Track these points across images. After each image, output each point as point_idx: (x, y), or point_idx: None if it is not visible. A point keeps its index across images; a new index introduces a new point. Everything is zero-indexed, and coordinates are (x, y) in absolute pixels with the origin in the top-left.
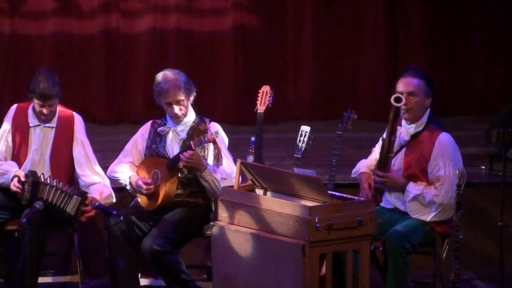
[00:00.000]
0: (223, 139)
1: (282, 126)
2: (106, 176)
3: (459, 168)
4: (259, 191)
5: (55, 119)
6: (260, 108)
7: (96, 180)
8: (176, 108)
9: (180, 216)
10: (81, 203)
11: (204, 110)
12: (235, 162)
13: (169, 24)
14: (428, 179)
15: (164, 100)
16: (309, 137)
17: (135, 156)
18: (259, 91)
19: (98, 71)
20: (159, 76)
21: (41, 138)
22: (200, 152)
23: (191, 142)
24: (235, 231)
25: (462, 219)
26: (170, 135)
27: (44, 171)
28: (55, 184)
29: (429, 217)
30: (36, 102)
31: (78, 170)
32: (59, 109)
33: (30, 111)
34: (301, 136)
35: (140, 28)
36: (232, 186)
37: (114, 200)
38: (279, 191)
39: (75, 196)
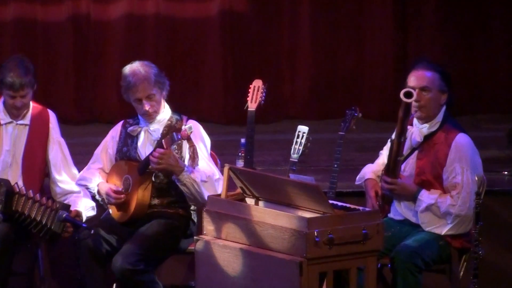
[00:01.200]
0: (202, 136)
1: (276, 126)
2: (76, 183)
3: (479, 174)
4: (250, 201)
5: (29, 115)
6: (251, 105)
7: (74, 189)
8: (147, 105)
9: (156, 229)
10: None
11: (187, 108)
12: (222, 167)
13: (147, 10)
14: (443, 187)
15: (133, 96)
16: (307, 138)
17: (104, 162)
18: (250, 86)
19: (66, 63)
20: (126, 69)
21: (13, 137)
22: (177, 152)
23: (163, 140)
24: (223, 247)
25: (481, 232)
26: (142, 135)
27: (17, 176)
28: (32, 196)
29: (444, 230)
30: (6, 94)
31: (55, 175)
32: (32, 105)
33: (0, 106)
34: (298, 137)
35: (114, 15)
36: (218, 194)
37: (95, 213)
38: (272, 200)
39: (60, 212)
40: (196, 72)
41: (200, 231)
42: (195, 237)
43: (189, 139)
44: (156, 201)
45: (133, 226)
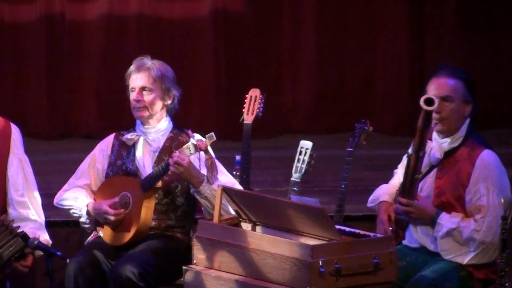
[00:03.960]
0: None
1: (276, 141)
2: (56, 204)
3: (506, 196)
4: (246, 226)
5: None
6: (248, 118)
7: (31, 216)
8: (136, 95)
9: (160, 246)
10: (20, 250)
11: (174, 120)
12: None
13: (129, 9)
14: (465, 209)
15: (130, 84)
16: (310, 155)
17: (92, 178)
18: (246, 96)
19: (37, 70)
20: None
21: None
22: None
23: (177, 151)
24: (215, 278)
25: (508, 261)
26: (140, 145)
27: None
28: None
29: (466, 258)
30: None
31: (13, 195)
32: None
33: None
34: (300, 154)
35: (92, 15)
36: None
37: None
38: (272, 225)
39: (19, 239)
40: (185, 80)
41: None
42: (183, 267)
43: (206, 151)
44: (153, 224)
45: (129, 249)
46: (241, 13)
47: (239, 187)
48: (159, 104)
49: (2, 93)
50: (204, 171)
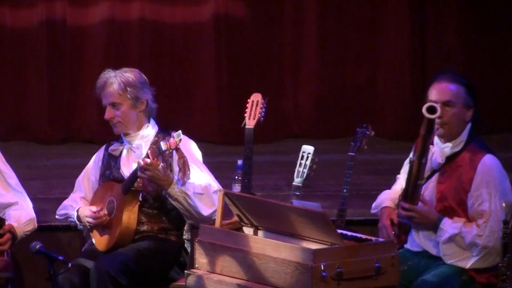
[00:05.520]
0: (192, 149)
1: (277, 146)
2: (56, 216)
3: (508, 200)
4: (248, 230)
5: None
6: (249, 122)
7: (11, 200)
8: (108, 112)
9: (147, 246)
10: None
11: (175, 125)
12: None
13: (131, 14)
14: (467, 214)
15: (103, 102)
16: (312, 160)
17: (86, 190)
18: (248, 100)
19: (39, 74)
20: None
21: None
22: (164, 166)
23: (148, 151)
24: (217, 282)
25: (510, 265)
26: (125, 154)
27: None
28: None
29: (469, 263)
30: None
31: None
32: None
33: None
34: (302, 158)
35: (93, 19)
36: (213, 222)
37: (36, 226)
38: (274, 229)
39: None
40: (187, 84)
41: (193, 264)
42: (186, 271)
43: (177, 150)
44: (145, 227)
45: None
46: (242, 18)
47: (214, 185)
48: (132, 114)
49: (4, 97)
50: (177, 171)
